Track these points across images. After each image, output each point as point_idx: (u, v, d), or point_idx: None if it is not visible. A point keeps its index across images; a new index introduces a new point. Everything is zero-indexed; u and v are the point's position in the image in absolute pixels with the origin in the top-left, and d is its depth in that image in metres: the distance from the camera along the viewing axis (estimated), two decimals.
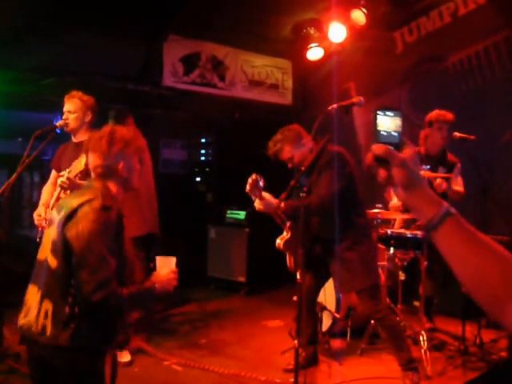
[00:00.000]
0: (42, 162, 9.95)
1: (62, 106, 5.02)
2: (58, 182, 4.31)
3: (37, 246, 4.53)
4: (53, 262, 2.84)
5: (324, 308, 5.76)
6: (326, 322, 5.86)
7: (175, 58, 8.10)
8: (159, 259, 3.18)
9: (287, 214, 4.77)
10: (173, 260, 3.19)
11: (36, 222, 4.76)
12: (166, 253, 3.35)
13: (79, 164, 4.23)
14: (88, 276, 2.71)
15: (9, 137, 8.00)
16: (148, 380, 5.00)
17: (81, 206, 2.86)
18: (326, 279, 5.35)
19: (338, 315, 5.85)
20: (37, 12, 6.28)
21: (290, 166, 5.11)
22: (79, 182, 4.33)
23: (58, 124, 4.87)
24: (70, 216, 2.85)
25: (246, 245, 8.50)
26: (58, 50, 6.65)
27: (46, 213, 4.70)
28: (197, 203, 9.70)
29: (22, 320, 2.87)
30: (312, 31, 8.29)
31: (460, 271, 1.40)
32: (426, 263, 5.24)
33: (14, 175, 4.47)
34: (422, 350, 5.22)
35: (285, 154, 5.06)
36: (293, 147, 5.01)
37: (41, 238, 4.54)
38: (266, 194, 4.70)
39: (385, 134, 1.56)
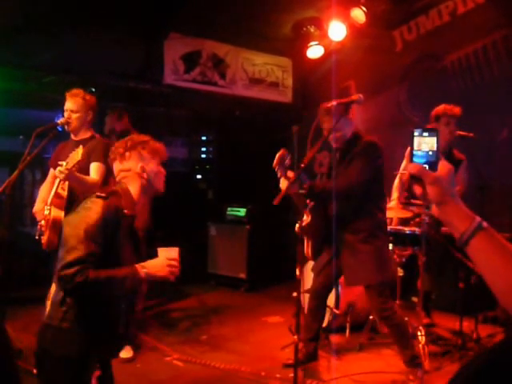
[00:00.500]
0: (43, 159, 9.96)
1: (64, 104, 5.02)
2: (56, 172, 4.31)
3: (37, 243, 4.58)
4: (60, 250, 2.94)
5: None
6: (326, 318, 5.89)
7: (176, 55, 8.11)
8: (161, 250, 3.20)
9: (310, 195, 4.63)
10: (175, 250, 3.19)
11: (38, 218, 4.77)
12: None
13: (76, 155, 4.24)
14: (64, 254, 2.84)
15: (10, 134, 8.00)
16: (150, 375, 5.03)
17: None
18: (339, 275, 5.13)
19: (337, 311, 5.89)
20: (38, 10, 6.29)
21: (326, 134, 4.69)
22: (77, 173, 4.39)
23: (59, 122, 4.86)
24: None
25: (247, 242, 8.53)
26: (60, 48, 6.67)
27: (44, 209, 4.70)
28: (197, 200, 9.74)
29: None
30: (312, 29, 8.30)
31: (492, 283, 1.46)
32: (424, 259, 5.25)
33: (15, 173, 4.45)
34: (420, 345, 5.25)
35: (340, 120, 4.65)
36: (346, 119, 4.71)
37: (40, 235, 4.58)
38: (290, 173, 4.48)
39: (421, 153, 1.63)
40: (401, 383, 4.68)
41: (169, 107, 9.16)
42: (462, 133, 5.49)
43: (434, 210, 1.59)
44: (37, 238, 4.58)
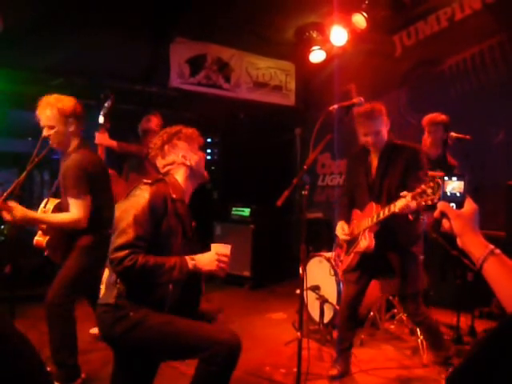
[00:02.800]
0: (51, 160, 10.01)
1: None
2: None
3: None
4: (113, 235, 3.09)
5: (326, 301, 5.84)
6: (328, 314, 5.93)
7: (182, 59, 8.14)
8: (214, 246, 3.23)
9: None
10: (227, 247, 3.26)
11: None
12: None
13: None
14: (114, 238, 3.01)
15: (19, 136, 8.03)
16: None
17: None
18: (369, 283, 4.91)
19: (339, 307, 5.92)
20: (46, 13, 6.33)
21: (364, 140, 4.61)
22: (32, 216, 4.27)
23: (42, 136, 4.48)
24: None
25: (251, 240, 8.56)
26: (67, 52, 6.69)
27: None
28: (203, 201, 9.74)
29: None
30: (314, 34, 8.35)
31: (503, 300, 1.68)
32: (422, 257, 5.27)
33: (24, 173, 4.36)
34: (419, 340, 5.30)
35: (380, 122, 4.54)
36: (386, 122, 4.58)
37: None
38: None
39: (449, 194, 1.94)
40: (433, 382, 4.68)
41: (174, 110, 9.17)
42: (458, 135, 5.51)
43: (458, 240, 1.86)
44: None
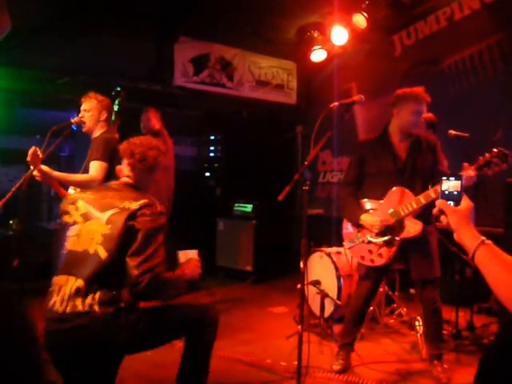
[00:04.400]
0: (59, 157, 10.02)
1: (77, 104, 5.06)
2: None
3: (52, 236, 4.60)
4: (103, 254, 3.01)
5: (326, 295, 5.83)
6: (328, 309, 5.91)
7: (185, 58, 8.15)
8: (181, 253, 3.28)
9: None
10: (195, 252, 3.37)
11: None
12: (177, 244, 3.46)
13: None
14: (140, 263, 2.95)
15: (27, 134, 8.05)
16: (161, 362, 5.06)
17: (142, 207, 3.07)
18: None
19: (339, 302, 5.91)
20: (53, 13, 6.32)
21: (412, 119, 4.54)
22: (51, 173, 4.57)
23: (73, 120, 4.89)
24: (133, 216, 3.04)
25: (253, 236, 8.56)
26: (73, 51, 6.70)
27: None
28: (206, 197, 9.76)
29: (59, 305, 2.97)
30: (315, 34, 8.34)
31: (493, 286, 1.77)
32: None
33: (31, 170, 4.49)
34: (418, 335, 5.30)
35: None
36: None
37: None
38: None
39: (447, 192, 2.08)
40: (431, 376, 4.64)
41: (178, 108, 9.17)
42: (457, 133, 5.48)
43: (454, 235, 1.99)
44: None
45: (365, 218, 4.53)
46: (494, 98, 6.72)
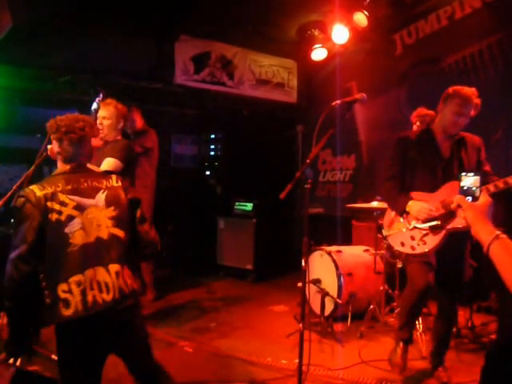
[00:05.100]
0: None
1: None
2: None
3: None
4: (121, 233, 3.13)
5: (326, 294, 5.85)
6: (329, 307, 5.93)
7: (186, 56, 8.15)
8: None
9: None
10: None
11: None
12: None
13: None
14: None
15: (28, 133, 8.02)
16: (161, 361, 5.07)
17: (121, 181, 3.32)
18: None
19: (339, 301, 5.92)
20: (53, 12, 6.32)
21: (455, 120, 4.38)
22: None
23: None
24: (125, 190, 3.29)
25: (253, 234, 8.57)
26: (74, 49, 6.70)
27: None
28: (206, 196, 9.78)
29: (106, 295, 3.00)
30: (316, 33, 8.33)
31: (506, 278, 1.84)
32: None
33: (32, 167, 4.45)
34: (418, 333, 5.31)
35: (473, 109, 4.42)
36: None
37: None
38: None
39: (466, 188, 2.18)
40: (431, 373, 4.65)
41: (179, 106, 9.19)
42: None
43: (471, 229, 2.10)
44: None
45: (413, 204, 4.32)
46: (495, 98, 6.71)
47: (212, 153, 10.16)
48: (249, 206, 8.86)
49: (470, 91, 4.38)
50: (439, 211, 4.20)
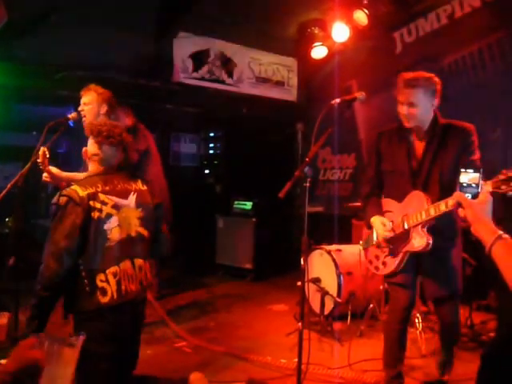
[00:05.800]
0: (56, 154, 9.99)
1: (75, 100, 5.01)
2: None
3: None
4: (145, 232, 3.57)
5: (326, 293, 5.85)
6: (328, 306, 5.94)
7: (185, 54, 8.14)
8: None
9: None
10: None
11: None
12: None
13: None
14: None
15: (23, 130, 8.03)
16: (160, 361, 5.08)
17: (146, 185, 3.74)
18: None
19: (339, 300, 5.93)
20: (50, 8, 6.32)
21: (406, 124, 3.93)
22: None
23: (70, 116, 4.78)
24: (152, 194, 3.73)
25: (253, 233, 8.59)
26: (70, 46, 6.68)
27: None
28: (206, 194, 9.78)
29: (132, 286, 3.44)
30: (316, 31, 8.34)
31: (509, 279, 1.83)
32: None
33: (27, 165, 4.43)
34: (418, 331, 5.33)
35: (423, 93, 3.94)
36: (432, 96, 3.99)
37: None
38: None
39: (465, 185, 2.13)
40: (431, 372, 4.63)
41: (178, 104, 9.18)
42: None
43: (471, 228, 2.06)
44: None
45: (374, 221, 4.00)
46: (494, 97, 6.73)
47: (211, 151, 10.17)
48: (248, 205, 8.88)
49: (411, 75, 4.00)
50: (398, 229, 3.87)
